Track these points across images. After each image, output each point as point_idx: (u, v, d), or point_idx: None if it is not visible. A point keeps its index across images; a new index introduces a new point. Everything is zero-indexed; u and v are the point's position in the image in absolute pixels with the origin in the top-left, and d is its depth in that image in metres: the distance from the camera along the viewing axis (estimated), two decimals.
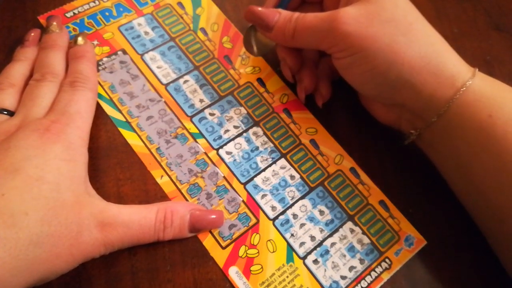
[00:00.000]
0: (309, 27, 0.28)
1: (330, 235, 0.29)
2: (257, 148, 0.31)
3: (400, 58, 0.26)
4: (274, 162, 0.31)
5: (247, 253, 0.28)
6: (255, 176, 0.31)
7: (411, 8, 0.28)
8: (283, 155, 0.31)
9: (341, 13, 0.26)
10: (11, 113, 0.28)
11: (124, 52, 0.34)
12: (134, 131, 0.31)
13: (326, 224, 0.29)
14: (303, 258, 0.28)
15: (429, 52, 0.26)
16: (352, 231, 0.29)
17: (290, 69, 0.31)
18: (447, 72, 0.26)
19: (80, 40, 0.32)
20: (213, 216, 0.28)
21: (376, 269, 0.28)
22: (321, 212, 0.30)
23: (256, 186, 0.30)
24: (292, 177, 0.31)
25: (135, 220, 0.26)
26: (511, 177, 0.25)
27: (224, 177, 0.30)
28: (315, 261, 0.28)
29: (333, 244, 0.29)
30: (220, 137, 0.32)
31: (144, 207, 0.27)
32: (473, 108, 0.26)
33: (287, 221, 0.29)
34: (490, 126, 0.25)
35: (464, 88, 0.26)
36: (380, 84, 0.28)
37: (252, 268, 0.27)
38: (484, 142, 0.26)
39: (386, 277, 0.28)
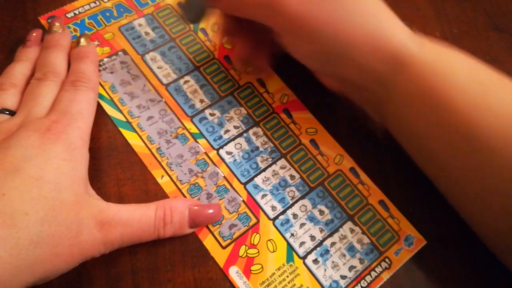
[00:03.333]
0: (250, 3, 0.27)
1: (330, 235, 0.29)
2: (257, 148, 0.32)
3: (340, 34, 0.26)
4: (274, 162, 0.31)
5: (247, 253, 0.28)
6: (255, 176, 0.31)
7: None
8: (283, 155, 0.32)
9: None
10: (12, 113, 0.28)
11: (125, 52, 0.34)
12: (135, 131, 0.31)
13: (326, 224, 0.29)
14: (303, 258, 0.28)
15: (371, 26, 0.26)
16: (352, 231, 0.29)
17: (239, 56, 0.31)
18: (391, 45, 0.26)
19: (83, 41, 0.32)
20: (211, 211, 0.28)
21: (376, 269, 0.28)
22: (321, 212, 0.30)
23: (256, 186, 0.30)
24: (292, 177, 0.31)
25: (134, 219, 0.26)
26: (459, 140, 0.25)
27: (224, 177, 0.30)
28: (315, 261, 0.28)
29: (333, 243, 0.29)
30: (220, 137, 0.32)
31: (143, 205, 0.27)
32: (419, 81, 0.26)
33: (287, 221, 0.29)
34: (435, 97, 0.25)
35: (409, 61, 0.26)
36: (323, 60, 0.28)
37: (252, 268, 0.27)
38: (433, 115, 0.26)
39: (386, 276, 0.28)
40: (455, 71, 0.26)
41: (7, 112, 0.28)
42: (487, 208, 0.25)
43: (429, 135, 0.26)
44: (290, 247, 0.28)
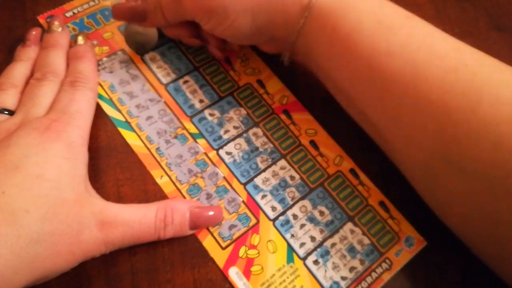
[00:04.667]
0: (168, 7, 0.29)
1: (330, 236, 0.29)
2: (257, 148, 0.31)
3: (245, 4, 0.27)
4: (274, 163, 0.31)
5: (247, 254, 0.28)
6: (255, 176, 0.30)
7: None
8: (283, 156, 0.31)
9: None
10: (12, 113, 0.28)
11: (124, 52, 0.34)
12: (134, 131, 0.31)
13: (326, 225, 0.29)
14: (304, 259, 0.28)
15: None
16: (352, 231, 0.29)
17: (189, 37, 0.32)
18: None
19: (80, 39, 0.32)
20: (212, 212, 0.28)
21: (377, 270, 0.28)
22: (321, 213, 0.30)
23: (256, 187, 0.30)
24: (292, 177, 0.31)
25: (135, 219, 0.26)
26: (361, 83, 0.27)
27: (224, 177, 0.30)
28: (316, 262, 0.28)
29: (333, 244, 0.29)
30: (220, 137, 0.32)
31: (144, 205, 0.27)
32: (320, 23, 0.27)
33: (287, 221, 0.29)
34: (335, 40, 0.27)
35: (310, 4, 0.27)
36: (245, 34, 0.29)
37: (252, 269, 0.27)
38: (333, 55, 0.27)
39: (386, 277, 0.28)
40: (350, 12, 0.26)
41: (7, 112, 0.28)
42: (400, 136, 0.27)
43: (336, 73, 0.28)
44: (290, 248, 0.28)
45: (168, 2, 0.29)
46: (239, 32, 0.29)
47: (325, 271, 0.28)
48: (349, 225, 0.29)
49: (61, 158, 0.25)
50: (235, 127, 0.32)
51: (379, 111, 0.27)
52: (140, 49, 0.33)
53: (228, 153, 0.31)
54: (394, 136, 0.27)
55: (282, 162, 0.31)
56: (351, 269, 0.28)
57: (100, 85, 0.32)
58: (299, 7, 0.27)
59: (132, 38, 0.33)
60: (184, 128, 0.32)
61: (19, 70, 0.30)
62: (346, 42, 0.26)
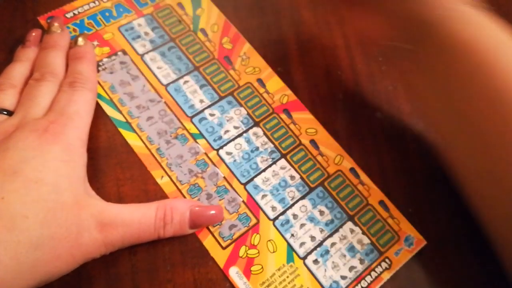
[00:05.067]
0: None
1: (330, 235, 0.29)
2: (257, 148, 0.32)
3: None
4: (274, 163, 0.31)
5: (247, 253, 0.28)
6: (255, 176, 0.31)
7: None
8: (283, 156, 0.31)
9: None
10: (10, 113, 0.28)
11: (124, 52, 0.34)
12: (134, 131, 0.31)
13: (326, 224, 0.29)
14: (303, 258, 0.28)
15: None
16: (352, 231, 0.29)
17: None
18: None
19: (80, 40, 0.32)
20: (213, 212, 0.28)
21: (376, 269, 0.28)
22: (321, 212, 0.30)
23: (256, 187, 0.30)
24: (292, 177, 0.31)
25: (134, 219, 0.26)
26: (500, 106, 0.24)
27: (224, 177, 0.30)
28: (315, 261, 0.28)
29: (333, 244, 0.29)
30: (220, 137, 0.32)
31: (143, 205, 0.27)
32: (461, 32, 0.26)
33: (287, 221, 0.29)
34: (472, 53, 0.25)
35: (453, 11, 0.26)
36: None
37: (252, 268, 0.27)
38: (467, 75, 0.26)
39: (386, 277, 0.28)
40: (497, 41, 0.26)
41: (5, 112, 0.28)
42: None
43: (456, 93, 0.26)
44: (290, 248, 0.28)
45: None
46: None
47: (325, 270, 0.28)
48: (349, 225, 0.30)
49: (59, 161, 0.25)
50: (235, 127, 0.32)
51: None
52: None
53: (228, 153, 0.31)
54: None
55: (282, 162, 0.31)
56: (351, 268, 0.28)
57: (101, 85, 0.32)
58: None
59: None
60: (185, 128, 0.32)
61: (18, 70, 0.30)
62: (485, 58, 0.25)
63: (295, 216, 0.29)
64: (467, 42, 0.26)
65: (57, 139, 0.25)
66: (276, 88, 0.34)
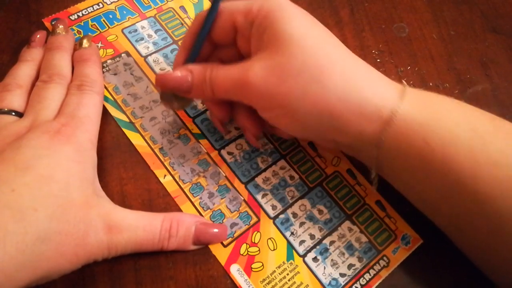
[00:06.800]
0: (223, 87, 0.27)
1: (329, 234, 0.30)
2: (257, 149, 0.32)
3: (317, 107, 0.25)
4: (274, 163, 0.32)
5: (248, 251, 0.28)
6: (256, 176, 0.31)
7: (322, 44, 0.26)
8: (283, 156, 0.32)
9: (249, 74, 0.26)
10: (19, 114, 0.28)
11: (128, 54, 0.35)
12: (138, 131, 0.32)
13: (325, 223, 0.30)
14: (303, 256, 0.29)
15: (347, 91, 0.25)
16: (350, 230, 0.30)
17: (219, 120, 0.31)
18: (371, 106, 0.25)
19: (85, 42, 0.32)
20: (216, 230, 0.28)
21: (375, 267, 0.29)
22: (320, 211, 0.30)
23: (256, 186, 0.31)
24: (291, 177, 0.31)
25: (139, 225, 0.26)
26: (458, 199, 0.25)
27: (225, 176, 0.31)
28: (315, 259, 0.29)
29: (332, 242, 0.29)
30: (221, 138, 0.32)
31: (151, 214, 0.27)
32: (408, 137, 0.25)
33: (287, 219, 0.30)
34: (428, 152, 0.25)
35: (393, 119, 0.25)
36: (306, 131, 0.27)
37: (253, 266, 0.28)
38: (425, 168, 0.25)
39: (384, 274, 0.29)
40: (442, 123, 0.25)
41: (14, 114, 0.28)
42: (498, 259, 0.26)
43: (425, 186, 0.26)
44: (290, 246, 0.29)
45: (225, 82, 0.27)
46: (300, 129, 0.27)
47: (324, 268, 0.29)
48: (347, 223, 0.30)
49: (70, 161, 0.25)
50: (236, 128, 0.33)
51: (482, 221, 0.25)
52: (175, 106, 0.32)
53: (229, 153, 0.32)
54: (501, 256, 0.25)
55: (282, 163, 0.32)
56: (350, 266, 0.29)
57: (105, 87, 0.33)
58: (378, 118, 0.25)
59: (167, 95, 0.30)
60: (187, 128, 0.32)
61: (24, 71, 0.30)
62: (441, 155, 0.24)
63: (294, 214, 0.30)
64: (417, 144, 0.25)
65: (69, 140, 0.26)
66: None
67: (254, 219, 0.30)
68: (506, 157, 0.24)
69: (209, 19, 0.28)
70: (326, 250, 0.29)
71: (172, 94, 0.29)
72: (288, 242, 0.29)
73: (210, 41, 0.29)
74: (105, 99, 0.32)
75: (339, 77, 0.25)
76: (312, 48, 0.25)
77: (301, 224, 0.30)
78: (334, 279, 0.28)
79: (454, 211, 0.26)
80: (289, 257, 0.29)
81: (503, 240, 0.24)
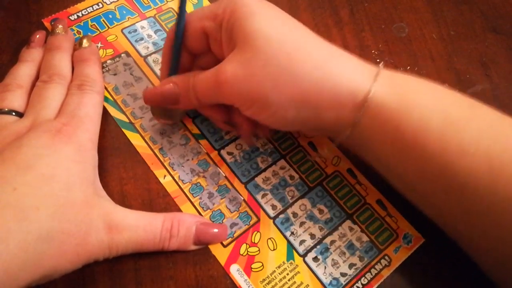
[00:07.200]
0: (203, 91, 0.27)
1: (330, 233, 0.30)
2: (257, 149, 0.32)
3: (291, 96, 0.25)
4: (274, 163, 0.32)
5: (248, 251, 0.28)
6: (256, 176, 0.31)
7: (288, 34, 0.26)
8: (283, 156, 0.32)
9: (221, 74, 0.26)
10: (19, 114, 0.28)
11: (128, 54, 0.35)
12: (138, 132, 0.32)
13: (326, 223, 0.30)
14: (303, 256, 0.29)
15: (320, 78, 0.25)
16: (351, 229, 0.30)
17: (222, 122, 0.31)
18: (344, 91, 0.25)
19: (85, 42, 0.32)
20: (216, 230, 0.28)
21: (376, 266, 0.29)
22: (320, 211, 0.30)
23: (256, 186, 0.31)
24: (291, 177, 0.31)
25: (140, 225, 0.26)
26: (431, 183, 0.25)
27: (225, 177, 0.31)
28: (315, 259, 0.29)
29: (332, 242, 0.29)
30: (221, 138, 0.32)
31: (151, 214, 0.27)
32: (380, 121, 0.25)
33: (287, 219, 0.30)
34: (400, 138, 0.25)
35: (367, 103, 0.25)
36: (289, 123, 0.27)
37: (253, 266, 0.28)
38: (398, 153, 0.25)
39: (386, 274, 0.29)
40: (414, 108, 0.25)
41: (14, 114, 0.28)
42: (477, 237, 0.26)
43: (398, 169, 0.26)
44: (290, 245, 0.29)
45: (204, 86, 0.27)
46: (282, 121, 0.27)
47: (325, 267, 0.28)
48: (348, 223, 0.30)
49: (71, 161, 0.25)
50: None
51: (454, 205, 0.25)
52: (168, 117, 0.32)
53: (229, 153, 0.32)
54: (474, 235, 0.25)
55: (282, 162, 0.32)
56: (351, 265, 0.29)
57: (105, 87, 0.33)
58: (352, 103, 0.25)
59: (158, 110, 0.31)
60: (187, 129, 0.32)
61: (24, 71, 0.30)
62: (413, 141, 0.24)
63: (295, 214, 0.30)
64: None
65: (70, 140, 0.26)
66: None
67: (254, 219, 0.30)
68: (477, 144, 0.24)
69: (179, 29, 0.29)
70: (327, 249, 0.29)
71: (162, 108, 0.30)
72: (288, 242, 0.29)
73: (187, 51, 0.30)
74: (105, 99, 0.32)
75: (310, 64, 0.25)
76: (277, 39, 0.25)
77: (301, 223, 0.30)
78: (335, 278, 0.28)
79: (427, 191, 0.26)
80: (289, 257, 0.29)
81: (477, 228, 0.25)
